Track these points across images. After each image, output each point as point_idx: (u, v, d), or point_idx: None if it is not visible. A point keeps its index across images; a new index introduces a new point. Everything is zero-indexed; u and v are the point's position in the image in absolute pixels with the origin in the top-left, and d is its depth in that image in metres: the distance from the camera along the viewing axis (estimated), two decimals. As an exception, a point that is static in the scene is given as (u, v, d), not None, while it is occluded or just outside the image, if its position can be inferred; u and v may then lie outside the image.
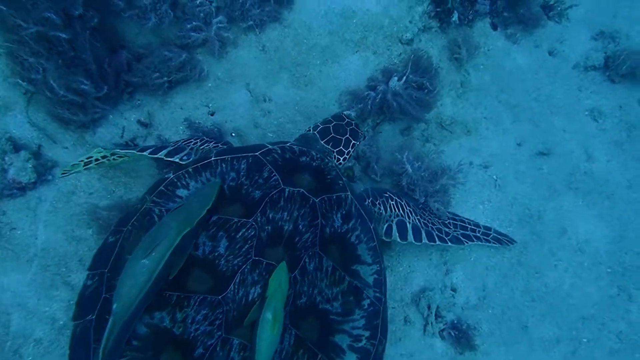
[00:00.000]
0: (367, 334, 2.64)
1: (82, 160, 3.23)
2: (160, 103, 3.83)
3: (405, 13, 4.17)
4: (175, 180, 2.81)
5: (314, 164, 3.02)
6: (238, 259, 2.51)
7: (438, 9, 4.26)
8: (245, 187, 2.79)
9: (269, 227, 2.63)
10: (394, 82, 3.84)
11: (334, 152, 3.46)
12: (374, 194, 3.46)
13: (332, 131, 3.51)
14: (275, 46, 4.05)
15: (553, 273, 3.85)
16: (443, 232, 3.53)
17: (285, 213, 2.70)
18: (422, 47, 4.22)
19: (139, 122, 3.78)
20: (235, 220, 2.63)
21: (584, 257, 3.93)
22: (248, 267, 2.49)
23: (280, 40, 4.06)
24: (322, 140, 3.47)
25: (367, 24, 4.14)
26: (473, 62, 4.39)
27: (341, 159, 3.50)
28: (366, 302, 2.70)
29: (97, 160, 3.26)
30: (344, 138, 3.50)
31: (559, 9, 4.83)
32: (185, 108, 3.84)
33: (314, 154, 3.09)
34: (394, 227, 3.35)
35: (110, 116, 3.71)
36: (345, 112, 3.68)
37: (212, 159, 2.86)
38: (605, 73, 4.68)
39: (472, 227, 3.72)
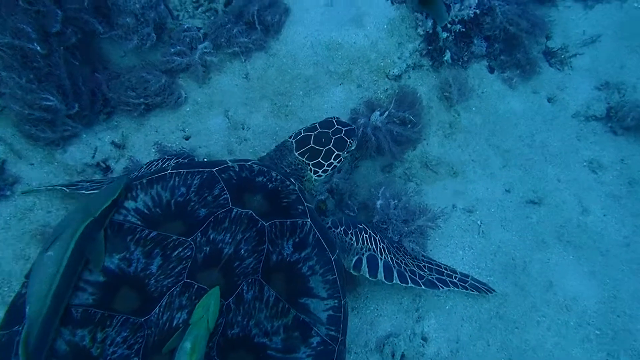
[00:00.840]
0: None
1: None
2: (137, 125, 3.83)
3: (394, 49, 4.14)
4: (127, 190, 2.70)
5: (270, 185, 2.85)
6: (169, 280, 2.37)
7: (430, 47, 4.22)
8: (192, 203, 2.65)
9: (207, 249, 2.48)
10: (375, 116, 3.77)
11: (309, 164, 3.24)
12: (348, 223, 3.30)
13: (311, 141, 3.25)
14: (259, 74, 4.05)
15: (535, 330, 3.59)
16: (417, 274, 3.34)
17: (228, 235, 2.54)
18: (410, 84, 4.16)
19: (112, 143, 3.78)
20: (174, 238, 2.49)
21: (571, 316, 3.67)
22: (178, 289, 2.34)
23: (264, 68, 4.06)
24: (297, 152, 3.23)
25: (353, 57, 4.12)
26: (465, 104, 4.30)
27: (320, 171, 3.25)
28: (315, 339, 2.50)
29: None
30: (324, 149, 3.23)
31: (562, 56, 4.74)
32: (161, 131, 3.84)
33: (274, 174, 2.90)
34: (364, 260, 3.17)
35: (84, 135, 3.72)
36: (336, 118, 3.37)
37: (168, 172, 2.74)
38: (607, 124, 4.52)
39: (449, 272, 3.52)
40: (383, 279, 3.14)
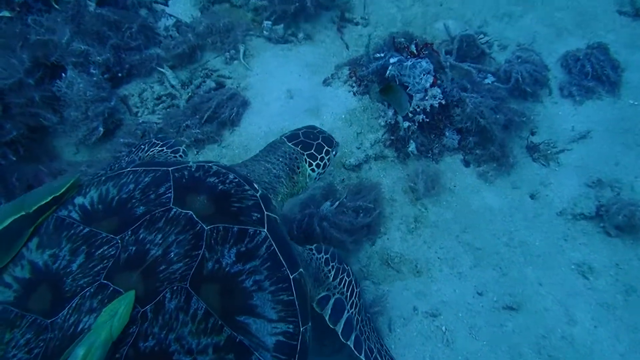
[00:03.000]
0: None
1: None
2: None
3: (352, 138, 4.08)
4: (81, 187, 2.62)
5: (220, 187, 2.61)
6: (85, 280, 2.20)
7: (392, 137, 4.13)
8: (134, 201, 2.49)
9: (133, 249, 2.29)
10: (326, 206, 3.61)
11: (304, 154, 3.26)
12: (334, 255, 3.06)
13: (301, 136, 3.35)
14: (210, 163, 4.02)
15: None
16: (374, 354, 2.99)
17: (159, 236, 2.33)
18: (371, 176, 4.03)
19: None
20: (103, 235, 2.34)
21: None
22: (91, 290, 2.16)
23: (216, 160, 4.04)
24: (289, 142, 3.30)
25: (308, 146, 4.06)
26: (434, 197, 4.10)
27: (314, 164, 3.27)
28: None
29: None
30: (315, 143, 3.31)
31: (547, 152, 4.56)
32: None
33: (231, 177, 2.68)
34: (332, 302, 2.89)
35: None
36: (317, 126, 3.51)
37: (126, 169, 2.66)
38: (600, 224, 4.18)
39: None
40: (339, 332, 2.86)
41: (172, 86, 4.61)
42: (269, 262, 2.41)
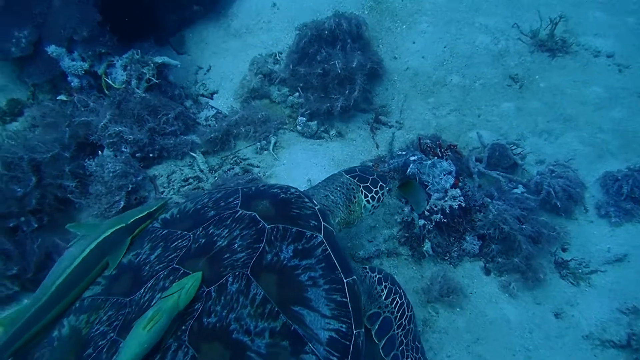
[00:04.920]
0: None
1: None
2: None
3: (365, 231, 4.12)
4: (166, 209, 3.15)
5: (282, 195, 3.02)
6: (160, 266, 2.59)
7: (407, 235, 4.14)
8: (206, 208, 2.95)
9: (202, 240, 2.67)
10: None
11: (360, 186, 3.59)
12: (387, 276, 3.26)
13: (358, 170, 3.72)
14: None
15: None
16: None
17: (226, 230, 2.69)
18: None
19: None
20: (178, 232, 2.78)
21: None
22: (164, 273, 2.53)
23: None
24: (347, 174, 3.66)
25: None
26: (447, 302, 3.98)
27: (369, 196, 3.58)
28: (309, 358, 2.34)
29: None
30: (370, 177, 3.66)
31: (578, 271, 4.40)
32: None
33: (292, 190, 3.11)
34: (381, 319, 3.08)
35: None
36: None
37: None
38: (633, 356, 3.90)
39: None
40: (380, 348, 3.07)
41: (201, 170, 4.89)
42: (323, 263, 2.65)
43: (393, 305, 3.16)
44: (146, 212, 2.97)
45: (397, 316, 3.16)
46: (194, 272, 2.43)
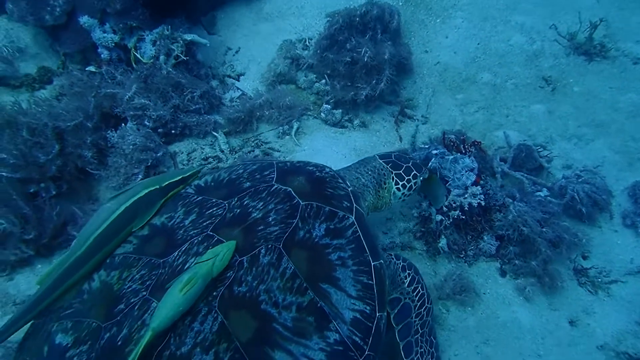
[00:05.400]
0: None
1: None
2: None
3: (380, 222, 4.10)
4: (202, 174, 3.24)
5: (317, 174, 3.07)
6: (194, 231, 2.65)
7: (423, 229, 4.09)
8: (241, 179, 3.00)
9: (238, 211, 2.72)
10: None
11: (392, 172, 3.61)
12: (411, 265, 3.34)
13: (393, 157, 3.71)
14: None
15: None
16: None
17: (261, 203, 2.75)
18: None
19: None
20: (213, 200, 2.84)
21: None
22: (199, 239, 2.59)
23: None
24: (381, 159, 3.67)
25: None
26: (459, 300, 3.93)
27: (400, 183, 3.60)
28: (333, 336, 2.43)
29: None
30: (404, 165, 3.65)
31: (597, 280, 4.30)
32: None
33: (327, 169, 3.17)
34: (401, 304, 3.13)
35: (38, 265, 3.90)
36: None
37: (239, 163, 3.61)
38: (652, 374, 3.81)
39: None
40: (396, 332, 3.08)
41: (222, 151, 4.90)
42: (353, 244, 2.71)
43: (414, 294, 3.22)
44: (180, 176, 3.05)
45: (417, 304, 3.21)
46: (228, 240, 2.50)
